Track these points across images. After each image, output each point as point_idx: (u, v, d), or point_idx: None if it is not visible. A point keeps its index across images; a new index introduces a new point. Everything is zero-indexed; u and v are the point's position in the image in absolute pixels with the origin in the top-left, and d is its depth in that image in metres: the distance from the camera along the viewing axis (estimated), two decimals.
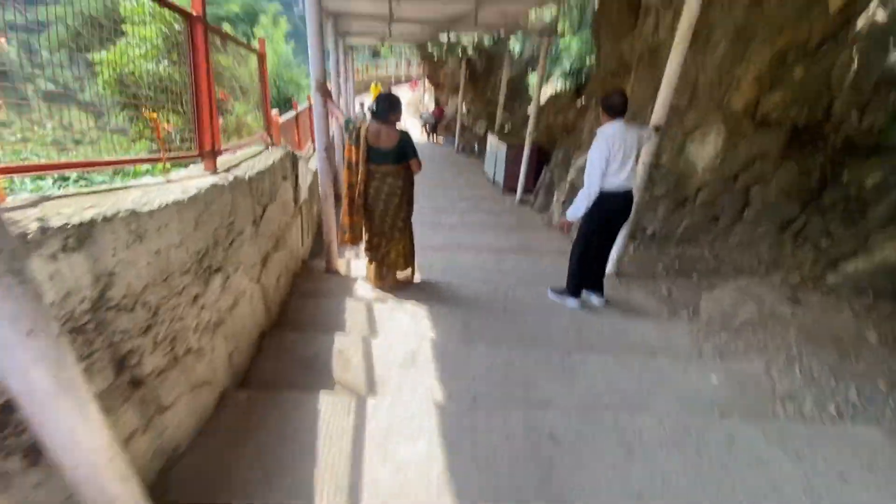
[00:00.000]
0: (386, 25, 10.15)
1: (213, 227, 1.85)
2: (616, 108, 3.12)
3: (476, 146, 13.57)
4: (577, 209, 3.25)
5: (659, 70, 5.36)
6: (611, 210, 3.29)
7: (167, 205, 1.46)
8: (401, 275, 3.71)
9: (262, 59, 3.38)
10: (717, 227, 4.94)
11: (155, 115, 1.69)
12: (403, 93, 26.63)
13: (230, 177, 2.13)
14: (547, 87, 9.70)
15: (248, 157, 2.83)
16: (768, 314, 3.39)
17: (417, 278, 3.98)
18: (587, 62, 9.02)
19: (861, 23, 3.81)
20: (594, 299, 3.73)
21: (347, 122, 3.27)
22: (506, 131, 11.49)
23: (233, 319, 2.11)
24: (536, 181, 8.55)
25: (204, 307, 1.78)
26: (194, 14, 1.96)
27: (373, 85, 21.62)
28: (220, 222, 1.93)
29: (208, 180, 1.90)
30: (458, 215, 7.35)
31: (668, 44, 5.08)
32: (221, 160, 2.47)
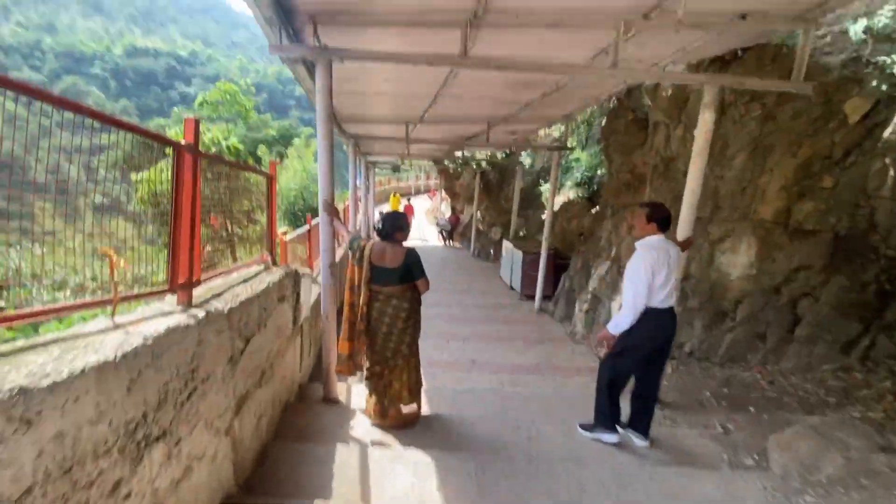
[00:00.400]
0: (404, 146, 10.91)
1: (160, 382, 1.50)
2: (666, 221, 2.94)
3: (492, 251, 13.60)
4: (621, 323, 2.88)
5: (674, 182, 5.31)
6: (655, 326, 2.90)
7: (82, 371, 1.14)
8: (405, 409, 3.21)
9: (271, 181, 3.36)
10: (766, 345, 4.38)
11: (110, 250, 1.47)
12: (422, 202, 28.03)
13: (201, 313, 1.85)
14: (559, 196, 9.89)
15: (238, 282, 2.59)
16: (860, 468, 2.70)
17: (425, 411, 3.45)
18: (598, 173, 9.24)
19: (888, 132, 3.67)
20: (636, 440, 3.11)
21: (353, 240, 3.09)
22: (521, 236, 11.54)
23: (179, 497, 1.65)
24: (555, 287, 8.22)
25: (131, 495, 1.36)
26: (182, 143, 1.86)
27: (392, 195, 22.84)
28: (174, 373, 1.59)
29: (167, 322, 1.61)
30: (473, 325, 6.91)
31: (682, 156, 5.09)
32: (202, 290, 2.22)
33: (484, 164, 13.54)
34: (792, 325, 4.28)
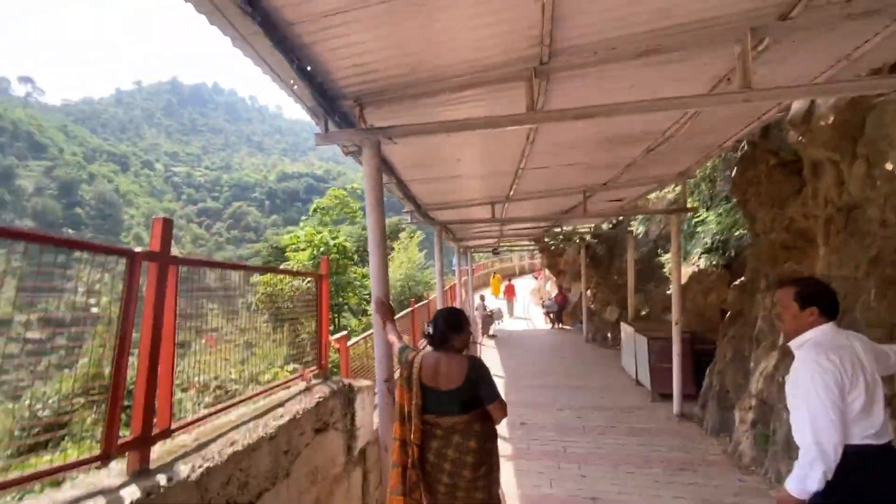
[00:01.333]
0: (497, 227, 10.48)
1: None
2: (833, 301, 1.83)
3: (609, 335, 11.81)
4: (807, 481, 1.68)
5: (867, 235, 3.72)
6: (865, 479, 1.66)
7: None
8: None
9: (320, 281, 2.94)
10: None
11: None
12: (527, 282, 26.92)
13: (134, 493, 1.25)
14: (686, 266, 8.26)
15: (249, 418, 2.02)
16: None
17: None
18: (735, 234, 7.56)
19: None
20: None
21: (402, 351, 2.40)
22: (642, 316, 9.79)
23: None
24: (698, 383, 6.37)
25: None
26: (139, 251, 1.43)
27: (492, 277, 22.26)
28: None
29: None
30: (591, 438, 5.45)
31: (872, 200, 3.56)
32: (186, 437, 1.67)
33: (588, 236, 12.39)
34: None
